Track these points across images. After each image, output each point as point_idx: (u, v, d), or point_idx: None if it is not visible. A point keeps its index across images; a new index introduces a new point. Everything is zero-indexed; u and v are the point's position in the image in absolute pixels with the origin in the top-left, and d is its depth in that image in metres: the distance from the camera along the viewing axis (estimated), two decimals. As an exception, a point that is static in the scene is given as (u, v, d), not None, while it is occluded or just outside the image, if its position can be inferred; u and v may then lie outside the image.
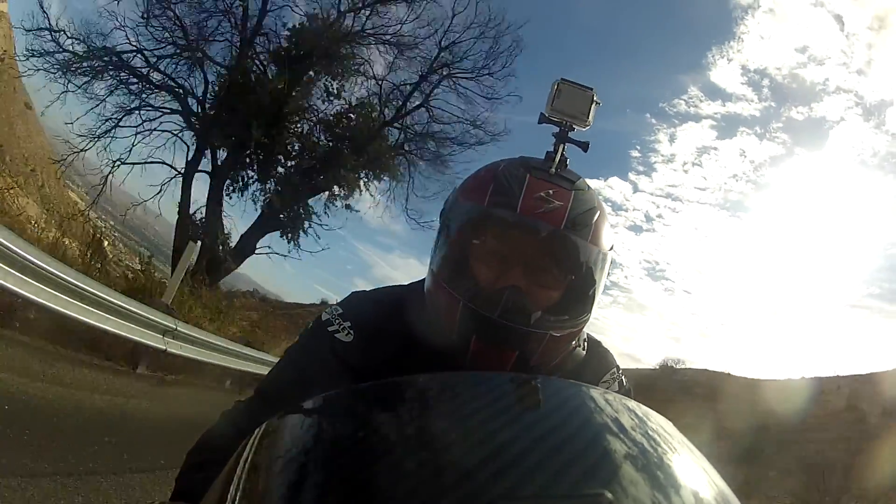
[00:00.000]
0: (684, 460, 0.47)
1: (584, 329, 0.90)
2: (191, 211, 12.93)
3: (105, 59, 12.04)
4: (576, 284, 0.81)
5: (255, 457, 0.47)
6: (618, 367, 0.94)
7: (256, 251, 14.03)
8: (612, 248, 0.85)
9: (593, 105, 0.92)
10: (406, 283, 0.96)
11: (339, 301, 0.93)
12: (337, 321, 0.86)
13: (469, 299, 0.77)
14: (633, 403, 0.52)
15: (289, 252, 14.35)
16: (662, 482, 0.41)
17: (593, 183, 0.90)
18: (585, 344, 0.92)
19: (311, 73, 14.05)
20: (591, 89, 0.93)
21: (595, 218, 0.81)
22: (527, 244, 0.79)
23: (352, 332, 0.85)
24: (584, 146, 0.93)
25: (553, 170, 0.84)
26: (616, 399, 0.52)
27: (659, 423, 0.51)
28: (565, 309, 0.80)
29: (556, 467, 0.40)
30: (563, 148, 0.89)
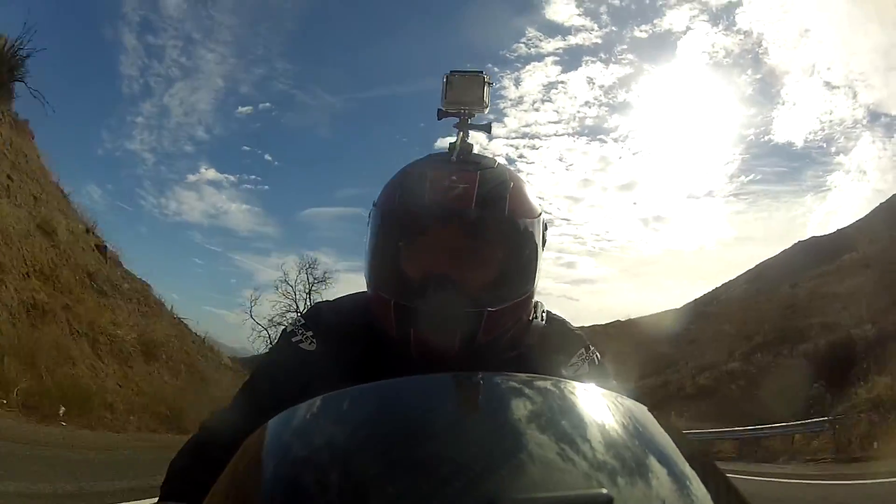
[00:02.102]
0: (638, 447, 0.44)
1: (535, 301, 0.91)
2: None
3: None
4: (504, 258, 0.82)
5: (245, 464, 0.47)
6: (587, 346, 0.92)
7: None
8: (539, 216, 0.86)
9: (486, 87, 0.94)
10: (365, 290, 0.96)
11: (302, 312, 0.97)
12: (300, 331, 0.89)
13: (398, 297, 0.80)
14: (579, 388, 0.50)
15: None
16: (612, 473, 0.40)
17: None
18: (544, 315, 0.92)
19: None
20: (481, 73, 0.95)
21: (508, 191, 0.83)
22: (442, 232, 0.81)
23: (314, 340, 0.88)
24: (487, 129, 0.96)
25: (454, 158, 0.86)
26: (558, 387, 0.50)
27: (623, 408, 0.48)
28: (498, 284, 0.81)
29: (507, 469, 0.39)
30: (466, 136, 0.92)
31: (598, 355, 0.92)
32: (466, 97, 0.94)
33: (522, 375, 0.52)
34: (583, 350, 0.91)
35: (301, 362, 0.86)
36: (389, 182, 0.89)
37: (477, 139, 0.94)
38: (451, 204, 0.80)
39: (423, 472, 0.38)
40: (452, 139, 0.92)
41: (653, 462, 0.42)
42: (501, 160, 0.91)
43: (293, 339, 0.89)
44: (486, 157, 0.90)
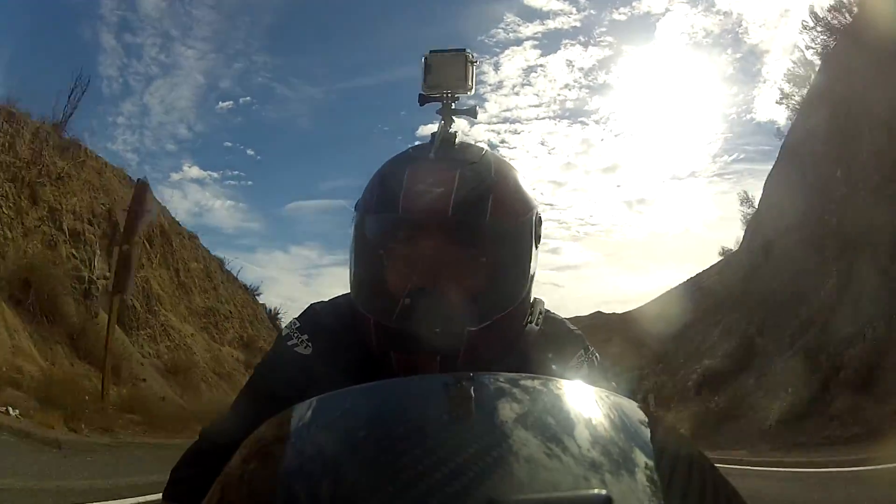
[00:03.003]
0: (632, 445, 0.43)
1: (534, 299, 0.85)
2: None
3: None
4: (487, 267, 0.75)
5: (238, 468, 0.47)
6: (586, 346, 0.88)
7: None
8: (530, 213, 0.79)
9: (469, 66, 0.85)
10: None
11: (298, 315, 0.93)
12: (295, 335, 0.86)
13: (376, 315, 0.75)
14: (575, 388, 0.49)
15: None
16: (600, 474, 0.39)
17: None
18: (541, 318, 0.85)
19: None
20: (463, 50, 0.86)
21: (491, 190, 0.75)
22: (418, 242, 0.74)
23: (310, 344, 0.85)
24: (473, 113, 0.87)
25: (432, 154, 0.78)
26: (554, 387, 0.49)
27: (617, 406, 0.48)
28: (483, 296, 0.75)
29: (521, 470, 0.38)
30: (449, 123, 0.83)
31: (598, 356, 0.88)
32: (448, 79, 0.85)
33: (515, 375, 0.50)
34: (581, 351, 0.86)
35: (297, 366, 0.83)
36: (369, 182, 0.82)
37: (457, 125, 0.85)
38: (425, 210, 0.73)
39: (417, 475, 0.37)
40: (433, 126, 0.83)
41: (647, 460, 0.41)
42: (484, 146, 0.82)
43: (288, 343, 0.86)
44: (470, 147, 0.81)
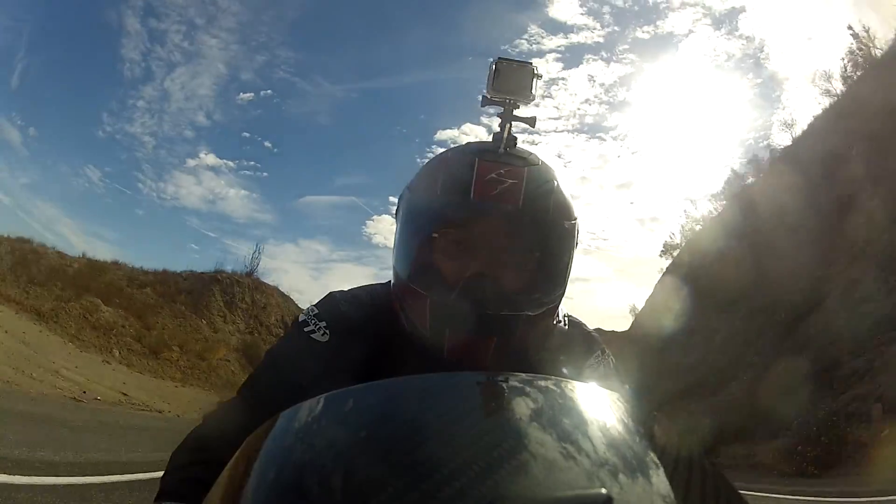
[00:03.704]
0: (637, 447, 0.44)
1: (561, 305, 0.89)
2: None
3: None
4: (544, 261, 0.80)
5: (245, 464, 0.46)
6: (603, 349, 0.92)
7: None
8: (575, 220, 0.84)
9: (534, 79, 0.90)
10: (384, 281, 0.96)
11: (316, 302, 0.93)
12: (313, 321, 0.86)
13: (437, 294, 0.76)
14: (582, 389, 0.50)
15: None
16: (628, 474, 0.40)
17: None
18: (567, 320, 0.91)
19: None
20: (530, 64, 0.91)
21: (553, 192, 0.80)
22: (487, 229, 0.77)
23: (327, 331, 0.85)
24: (531, 122, 0.91)
25: (502, 149, 0.82)
26: (561, 388, 0.50)
27: (623, 408, 0.49)
28: (537, 287, 0.79)
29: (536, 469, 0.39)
30: (510, 127, 0.87)
31: (613, 358, 0.93)
32: (513, 86, 0.89)
33: (526, 375, 0.51)
34: (599, 352, 0.91)
35: (312, 353, 0.83)
36: (428, 167, 0.85)
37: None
38: (498, 199, 0.77)
39: (424, 473, 0.38)
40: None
41: (652, 462, 0.42)
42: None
43: (305, 329, 0.86)
44: (530, 152, 0.86)
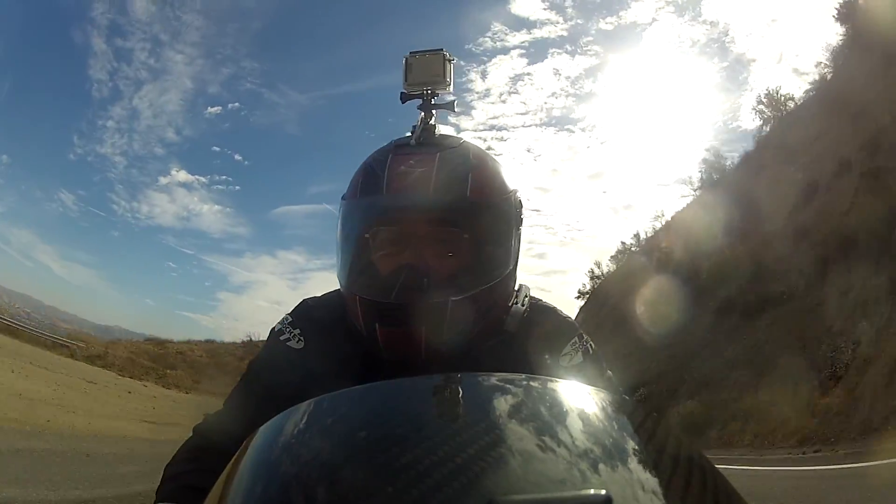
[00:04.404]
0: (629, 444, 0.43)
1: (520, 285, 0.88)
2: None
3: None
4: (470, 243, 0.78)
5: (237, 472, 0.47)
6: (580, 334, 0.87)
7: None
8: (510, 194, 0.82)
9: (447, 64, 0.91)
10: None
11: (290, 310, 0.95)
12: (287, 329, 0.87)
13: (363, 291, 0.78)
14: (572, 388, 0.49)
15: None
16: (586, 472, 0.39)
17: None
18: (526, 300, 0.87)
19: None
20: (441, 50, 0.92)
21: (470, 171, 0.79)
22: (404, 221, 0.78)
23: (302, 338, 0.86)
24: (451, 106, 0.92)
25: (413, 141, 0.83)
26: (552, 387, 0.49)
27: (612, 405, 0.48)
28: (466, 269, 0.77)
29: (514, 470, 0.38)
30: (429, 117, 0.89)
31: (592, 344, 0.88)
32: (427, 76, 0.91)
33: (511, 375, 0.51)
34: (576, 338, 0.86)
35: (288, 361, 0.84)
36: (354, 174, 0.86)
37: (445, 130, 0.90)
38: (409, 189, 0.77)
39: (416, 476, 0.37)
40: (432, 123, 0.89)
41: (647, 459, 0.42)
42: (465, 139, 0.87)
43: (281, 338, 0.87)
44: (450, 136, 0.86)
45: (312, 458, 0.43)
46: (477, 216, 0.78)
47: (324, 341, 0.85)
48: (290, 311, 0.92)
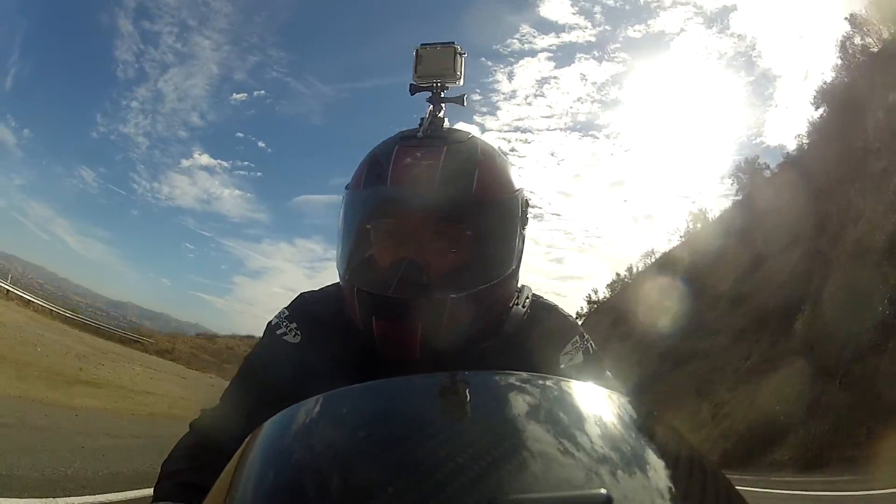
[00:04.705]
0: (618, 442, 0.43)
1: (522, 286, 0.86)
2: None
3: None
4: (472, 240, 0.76)
5: (243, 467, 0.46)
6: (581, 333, 0.85)
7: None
8: (515, 193, 0.80)
9: (458, 58, 0.90)
10: None
11: (287, 304, 0.93)
12: (284, 323, 0.86)
13: (361, 283, 0.76)
14: (577, 387, 0.49)
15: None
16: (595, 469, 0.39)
17: None
18: (527, 302, 0.84)
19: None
20: (452, 43, 0.91)
21: (477, 166, 0.77)
22: (406, 214, 0.75)
23: (298, 332, 0.84)
24: (460, 100, 0.90)
25: (420, 133, 0.81)
26: (552, 386, 0.49)
27: (618, 405, 0.48)
28: (465, 268, 0.75)
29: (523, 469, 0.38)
30: (438, 110, 0.87)
31: (593, 344, 0.86)
32: (438, 69, 0.89)
33: (520, 374, 0.50)
34: (577, 338, 0.84)
35: (285, 355, 0.83)
36: (359, 163, 0.84)
37: (469, 131, 0.88)
38: (413, 182, 0.75)
39: (422, 473, 0.38)
40: (441, 116, 0.87)
41: (649, 459, 0.42)
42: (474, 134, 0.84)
43: (277, 332, 0.86)
44: (458, 130, 0.84)
45: (324, 452, 0.43)
46: (481, 213, 0.76)
47: (321, 336, 0.83)
48: (286, 306, 0.90)
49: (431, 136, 0.81)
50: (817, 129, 17.81)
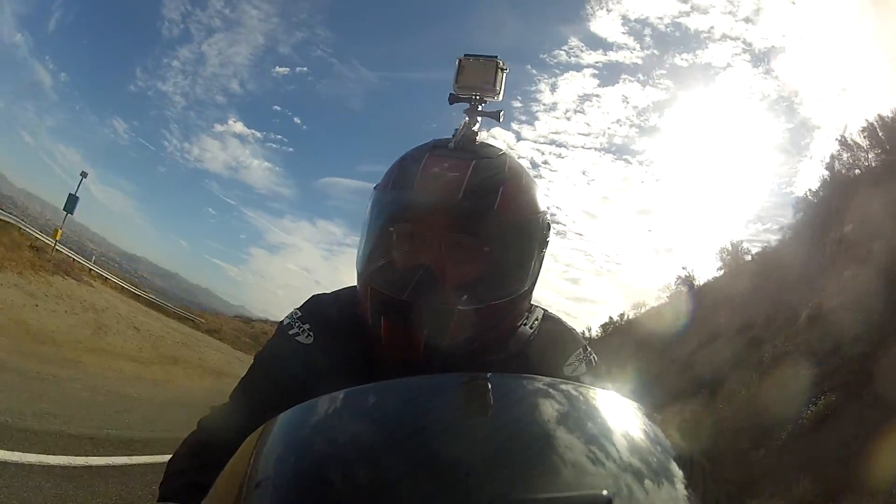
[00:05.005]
0: (639, 450, 0.44)
1: (531, 308, 0.86)
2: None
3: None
4: (489, 256, 0.77)
5: (254, 461, 0.46)
6: (584, 346, 0.88)
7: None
8: (538, 215, 0.81)
9: (499, 73, 0.90)
10: None
11: (300, 305, 0.93)
12: (297, 324, 0.87)
13: (377, 284, 0.77)
14: (589, 393, 0.50)
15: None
16: (618, 474, 0.40)
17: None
18: (536, 324, 0.86)
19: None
20: (495, 57, 0.91)
21: (503, 183, 0.78)
22: (427, 221, 0.77)
23: (311, 333, 0.85)
24: (497, 116, 0.91)
25: (452, 144, 0.82)
26: (570, 391, 0.50)
27: (615, 407, 0.49)
28: (478, 282, 0.76)
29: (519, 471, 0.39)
30: (474, 123, 0.87)
31: (595, 357, 0.88)
32: (478, 82, 0.89)
33: (541, 378, 0.51)
34: (580, 350, 0.86)
35: (297, 356, 0.84)
36: (390, 166, 0.85)
37: (505, 138, 0.89)
38: (437, 192, 0.76)
39: (442, 470, 0.39)
40: (480, 134, 0.88)
41: (653, 464, 0.43)
42: (526, 163, 0.85)
43: (290, 332, 0.86)
44: (490, 145, 0.84)
45: (347, 445, 0.43)
46: (501, 230, 0.77)
47: (333, 338, 0.84)
48: (299, 306, 0.91)
49: (462, 148, 0.82)
50: (794, 230, 18.62)
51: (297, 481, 0.41)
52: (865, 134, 15.85)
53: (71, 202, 16.29)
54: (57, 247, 15.52)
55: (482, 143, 0.85)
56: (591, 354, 0.87)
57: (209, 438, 0.82)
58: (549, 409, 0.47)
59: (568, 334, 0.89)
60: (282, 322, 0.89)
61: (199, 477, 0.74)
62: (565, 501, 0.36)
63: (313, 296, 0.93)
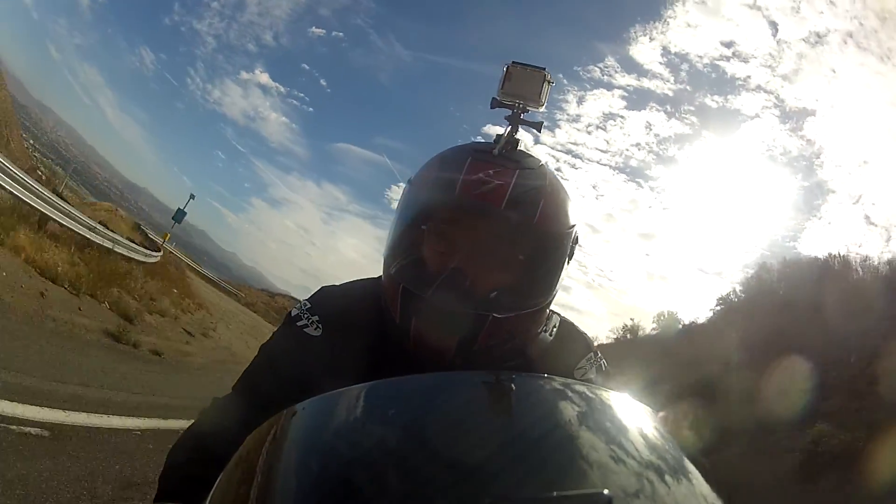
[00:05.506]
0: (657, 450, 0.46)
1: (549, 314, 0.87)
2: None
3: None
4: (523, 265, 0.78)
5: (266, 455, 0.46)
6: (595, 351, 0.89)
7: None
8: (571, 228, 0.82)
9: (545, 85, 0.90)
10: (375, 276, 0.94)
11: (308, 296, 0.93)
12: (305, 316, 0.86)
13: (409, 282, 0.77)
14: (605, 395, 0.51)
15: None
16: (634, 474, 0.41)
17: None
18: (555, 331, 0.87)
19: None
20: (543, 69, 0.90)
21: (543, 197, 0.78)
22: (466, 226, 0.77)
23: (320, 325, 0.85)
24: (538, 126, 0.91)
25: (496, 151, 0.82)
26: (591, 392, 0.51)
27: (632, 409, 0.50)
28: (512, 290, 0.77)
29: (535, 467, 0.40)
30: (515, 130, 0.87)
31: (605, 362, 0.90)
32: (524, 90, 0.89)
33: (561, 379, 0.52)
34: (591, 354, 0.89)
35: (305, 348, 0.83)
36: (428, 162, 0.86)
37: (523, 138, 0.90)
38: (481, 198, 0.76)
39: (466, 466, 0.39)
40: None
41: (662, 466, 0.43)
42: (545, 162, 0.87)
43: (297, 324, 0.86)
44: (531, 155, 0.85)
45: (371, 441, 0.44)
46: (538, 242, 0.78)
47: (342, 331, 0.84)
48: (307, 298, 0.90)
49: (505, 156, 0.82)
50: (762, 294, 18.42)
51: (320, 486, 0.41)
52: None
53: (179, 215, 18.99)
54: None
55: (521, 151, 0.86)
56: (601, 359, 0.88)
57: (210, 430, 0.79)
58: (570, 409, 0.47)
59: (580, 338, 0.91)
60: (289, 312, 0.89)
61: (198, 470, 0.71)
62: (567, 500, 0.37)
63: (322, 287, 0.93)
